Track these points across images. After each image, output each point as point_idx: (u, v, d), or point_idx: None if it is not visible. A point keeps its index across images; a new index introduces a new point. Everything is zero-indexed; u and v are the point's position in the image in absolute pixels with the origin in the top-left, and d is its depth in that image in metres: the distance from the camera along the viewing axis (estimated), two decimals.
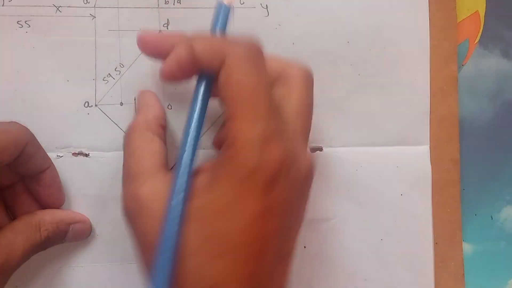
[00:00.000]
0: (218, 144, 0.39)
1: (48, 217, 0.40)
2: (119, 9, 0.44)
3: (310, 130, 0.37)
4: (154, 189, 0.34)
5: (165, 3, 0.44)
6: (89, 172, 0.44)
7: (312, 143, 0.46)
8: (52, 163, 0.42)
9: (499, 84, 0.49)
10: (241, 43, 0.34)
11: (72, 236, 0.42)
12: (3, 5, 0.43)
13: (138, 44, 0.37)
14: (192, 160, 0.33)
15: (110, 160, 0.44)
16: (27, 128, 0.39)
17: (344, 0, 0.46)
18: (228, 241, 0.31)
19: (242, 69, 0.33)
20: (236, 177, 0.31)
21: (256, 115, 0.32)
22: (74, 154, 0.43)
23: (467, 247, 0.48)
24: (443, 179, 0.47)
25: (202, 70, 0.34)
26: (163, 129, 0.39)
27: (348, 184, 0.46)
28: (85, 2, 0.43)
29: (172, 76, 0.35)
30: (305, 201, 0.36)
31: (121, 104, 0.44)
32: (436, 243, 0.46)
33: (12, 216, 0.41)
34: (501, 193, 0.49)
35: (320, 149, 0.46)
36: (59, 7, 0.43)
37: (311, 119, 0.37)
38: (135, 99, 0.44)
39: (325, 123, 0.46)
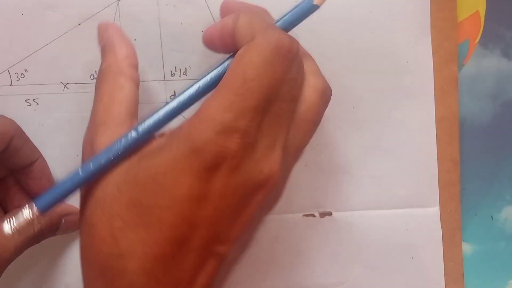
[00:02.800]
0: None
1: None
2: None
3: (305, 145, 0.34)
4: (113, 139, 0.32)
5: (171, 75, 0.44)
6: None
7: (321, 208, 0.46)
8: (41, 155, 0.42)
9: (499, 84, 0.48)
10: (276, 34, 0.31)
11: (64, 228, 0.42)
12: (11, 85, 0.43)
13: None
14: (163, 116, 0.32)
15: None
16: (13, 121, 0.40)
17: (348, 66, 0.46)
18: (152, 214, 0.29)
19: (255, 57, 0.30)
20: (180, 150, 0.29)
21: (238, 107, 0.29)
22: None
23: (467, 247, 0.48)
24: (443, 179, 0.47)
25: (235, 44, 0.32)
26: (135, 68, 0.36)
27: (358, 248, 0.46)
28: (92, 78, 0.44)
29: (211, 43, 0.35)
30: (255, 213, 0.32)
31: None
32: None
33: (3, 210, 0.42)
34: (501, 193, 0.49)
35: (330, 213, 0.46)
36: (66, 84, 0.44)
37: (312, 135, 0.35)
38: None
39: (334, 188, 0.46)
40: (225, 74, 0.30)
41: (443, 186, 0.47)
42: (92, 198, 0.31)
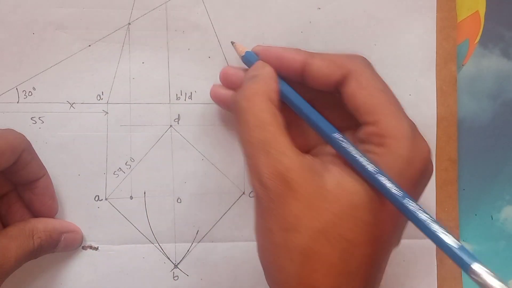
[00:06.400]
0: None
1: (41, 225, 0.41)
2: (131, 105, 0.44)
3: None
4: (303, 172, 0.33)
5: (177, 99, 0.45)
6: (97, 266, 0.45)
7: None
8: (47, 172, 0.43)
9: (499, 84, 0.48)
10: (356, 58, 0.37)
11: (63, 245, 0.43)
12: (18, 102, 0.44)
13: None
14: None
15: (119, 254, 0.45)
16: (23, 135, 0.40)
17: None
18: (376, 228, 0.33)
19: (370, 77, 0.36)
20: (396, 168, 0.33)
21: (399, 113, 0.35)
22: (84, 247, 0.45)
23: (467, 247, 0.47)
24: (441, 178, 0.47)
25: (316, 82, 0.37)
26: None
27: None
28: (99, 98, 0.44)
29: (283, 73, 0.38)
30: None
31: (131, 198, 0.45)
32: None
33: (4, 226, 0.42)
34: (501, 193, 0.49)
35: None
36: (73, 103, 0.44)
37: None
38: (144, 193, 0.45)
39: None
40: (363, 102, 0.35)
41: (441, 185, 0.47)
42: (307, 231, 0.32)
